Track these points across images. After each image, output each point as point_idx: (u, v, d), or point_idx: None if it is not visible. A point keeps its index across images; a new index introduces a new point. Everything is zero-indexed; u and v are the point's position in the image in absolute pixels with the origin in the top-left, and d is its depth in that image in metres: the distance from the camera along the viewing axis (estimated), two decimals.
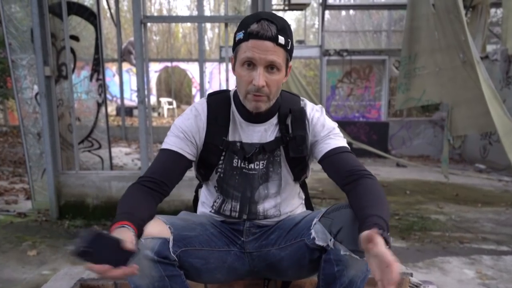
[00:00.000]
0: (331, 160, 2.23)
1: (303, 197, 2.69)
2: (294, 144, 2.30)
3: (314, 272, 2.25)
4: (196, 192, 2.79)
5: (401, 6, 16.15)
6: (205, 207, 2.57)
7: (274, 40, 2.02)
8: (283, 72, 2.14)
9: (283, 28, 2.05)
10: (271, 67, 2.06)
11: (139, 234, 1.88)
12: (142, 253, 1.96)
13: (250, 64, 2.07)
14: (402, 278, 2.91)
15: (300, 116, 2.31)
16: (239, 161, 2.35)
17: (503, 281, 4.46)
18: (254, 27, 2.02)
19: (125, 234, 1.73)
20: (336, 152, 2.22)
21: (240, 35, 2.08)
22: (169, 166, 2.20)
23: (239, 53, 2.11)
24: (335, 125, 2.34)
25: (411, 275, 2.96)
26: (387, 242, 1.71)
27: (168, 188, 2.18)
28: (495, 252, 5.41)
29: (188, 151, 2.24)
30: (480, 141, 14.04)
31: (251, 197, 2.41)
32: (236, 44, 2.12)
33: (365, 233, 1.71)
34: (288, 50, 2.11)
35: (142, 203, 2.04)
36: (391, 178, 10.85)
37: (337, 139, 2.27)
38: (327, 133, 2.28)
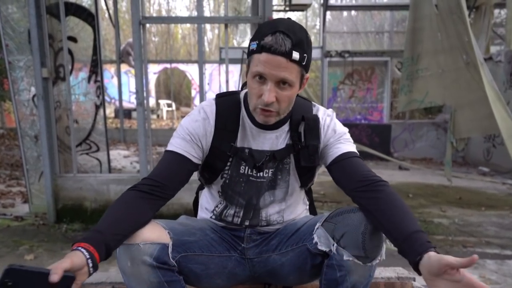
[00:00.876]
0: (342, 164, 2.20)
1: (307, 203, 2.68)
2: (306, 153, 2.28)
3: (315, 277, 2.24)
4: (197, 193, 2.78)
5: (404, 7, 16.16)
6: (205, 212, 2.56)
7: (288, 56, 1.96)
8: (296, 87, 2.09)
9: (300, 42, 1.99)
10: (282, 82, 2.02)
11: (106, 253, 1.86)
12: (141, 258, 1.97)
13: (261, 77, 2.02)
14: (405, 282, 2.92)
15: (314, 125, 2.28)
16: (247, 168, 2.33)
17: (507, 285, 4.46)
18: (268, 39, 1.96)
19: (67, 261, 1.68)
20: (347, 156, 2.20)
21: (254, 45, 2.02)
22: (173, 169, 2.17)
23: (251, 64, 2.06)
24: (346, 130, 2.33)
25: (414, 279, 2.96)
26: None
27: (171, 191, 2.15)
28: (499, 256, 5.41)
29: (194, 154, 2.21)
30: (483, 143, 14.05)
31: (256, 204, 2.41)
32: (250, 53, 2.08)
33: (450, 259, 1.74)
34: (303, 65, 2.04)
35: (129, 215, 2.01)
36: (394, 181, 10.80)
37: (348, 144, 2.26)
38: (338, 138, 2.26)
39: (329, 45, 18.40)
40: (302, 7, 18.09)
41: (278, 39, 1.94)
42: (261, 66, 1.99)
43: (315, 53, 17.59)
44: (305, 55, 2.01)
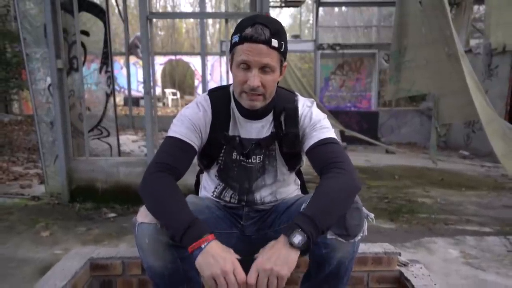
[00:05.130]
0: (312, 154, 2.23)
1: (299, 183, 2.70)
2: (287, 140, 2.32)
3: (306, 253, 2.26)
4: (198, 177, 2.80)
5: (390, 3, 16.15)
6: (206, 192, 2.59)
7: (268, 43, 2.02)
8: (277, 72, 2.14)
9: (277, 31, 2.06)
10: (265, 68, 2.06)
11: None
12: (158, 237, 2.01)
13: (245, 65, 2.07)
14: (391, 257, 2.92)
15: (294, 114, 2.32)
16: (238, 155, 2.38)
17: (486, 260, 4.47)
18: (248, 31, 2.02)
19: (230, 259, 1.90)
20: (316, 145, 2.21)
21: (236, 38, 2.08)
22: (182, 155, 2.20)
23: (235, 55, 2.11)
24: (322, 116, 2.33)
25: (399, 254, 2.98)
26: (291, 244, 1.87)
27: (181, 175, 2.19)
28: (478, 233, 5.41)
29: (196, 142, 2.25)
30: (464, 129, 14.12)
31: (249, 188, 2.45)
32: (232, 46, 2.13)
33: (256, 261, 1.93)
34: (281, 52, 2.10)
35: (182, 196, 2.07)
36: (381, 164, 10.86)
37: (321, 131, 2.25)
38: (312, 127, 2.27)
39: (321, 38, 18.42)
40: (297, 3, 18.17)
41: (258, 29, 2.02)
42: (245, 55, 2.05)
43: (309, 46, 17.64)
44: (282, 42, 2.09)
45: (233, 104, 2.35)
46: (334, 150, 2.17)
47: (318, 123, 2.27)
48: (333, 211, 1.94)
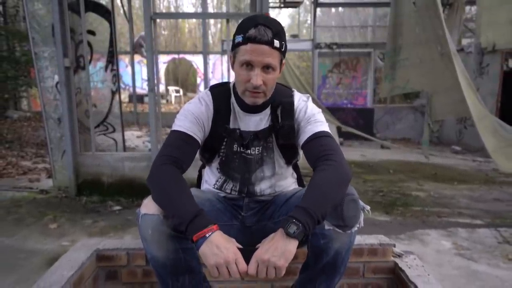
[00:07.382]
0: (306, 148, 2.25)
1: (296, 176, 2.72)
2: (283, 132, 2.34)
3: (303, 244, 2.26)
4: (200, 171, 2.81)
5: (385, 4, 16.15)
6: (208, 185, 2.60)
7: (270, 44, 2.04)
8: (278, 70, 2.16)
9: (278, 32, 2.07)
10: (267, 67, 2.09)
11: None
12: (161, 228, 2.02)
13: (249, 65, 2.09)
14: (386, 248, 2.93)
15: (289, 107, 2.34)
16: (238, 146, 2.40)
17: (477, 251, 4.47)
18: (252, 32, 2.03)
19: (233, 248, 1.94)
20: (310, 139, 2.22)
21: (239, 38, 2.09)
22: (187, 148, 2.22)
23: (238, 54, 2.12)
24: (317, 111, 2.35)
25: (394, 246, 2.98)
26: (287, 234, 1.87)
27: (187, 167, 2.21)
28: (469, 226, 5.42)
29: (199, 135, 2.27)
30: (456, 125, 14.12)
31: (249, 179, 2.47)
32: (235, 46, 2.13)
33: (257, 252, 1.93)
34: (282, 51, 2.12)
35: (187, 187, 2.07)
36: (376, 159, 10.87)
37: (315, 125, 2.27)
38: (307, 120, 2.29)
39: (319, 38, 18.40)
40: (295, 4, 18.17)
41: (261, 30, 2.03)
42: (248, 55, 2.06)
43: (307, 45, 17.66)
44: (283, 42, 2.12)
45: (233, 99, 2.37)
46: (327, 143, 2.19)
47: (312, 117, 2.29)
48: (326, 200, 1.95)
